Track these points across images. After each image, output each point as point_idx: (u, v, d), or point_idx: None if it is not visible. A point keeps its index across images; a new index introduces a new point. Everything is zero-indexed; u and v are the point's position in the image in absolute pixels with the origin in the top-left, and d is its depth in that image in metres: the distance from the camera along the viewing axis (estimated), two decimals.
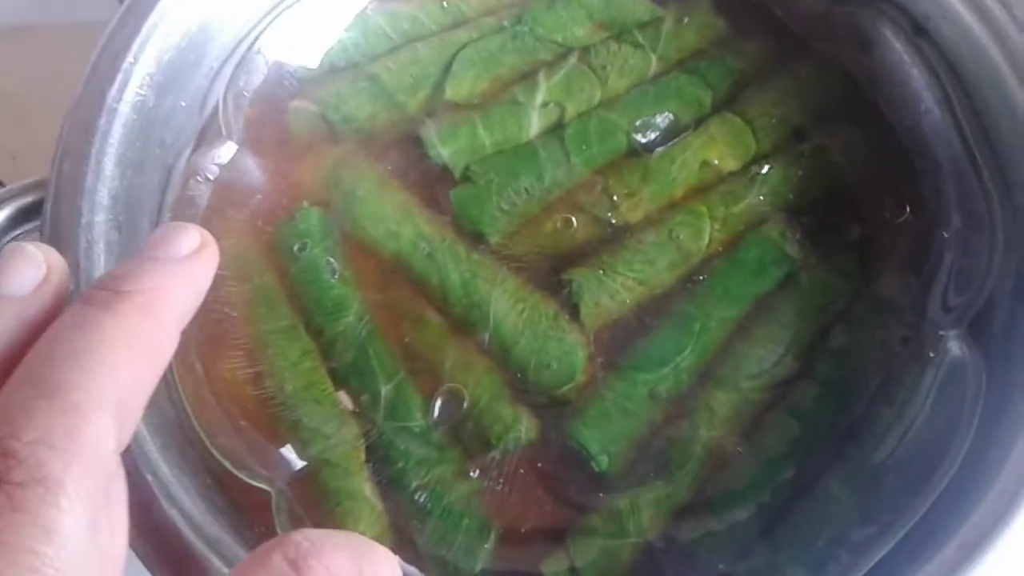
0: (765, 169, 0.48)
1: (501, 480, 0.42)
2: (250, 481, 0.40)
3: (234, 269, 0.44)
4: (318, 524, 0.40)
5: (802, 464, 0.42)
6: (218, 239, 0.30)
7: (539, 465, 0.42)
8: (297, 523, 0.39)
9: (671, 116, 0.49)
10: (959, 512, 0.38)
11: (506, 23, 0.51)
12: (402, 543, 0.41)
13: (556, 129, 0.49)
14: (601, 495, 0.42)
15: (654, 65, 0.51)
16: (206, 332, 0.42)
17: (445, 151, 0.47)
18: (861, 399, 0.44)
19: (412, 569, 0.40)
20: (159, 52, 0.43)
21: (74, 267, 0.38)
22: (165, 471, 0.37)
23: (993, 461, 0.38)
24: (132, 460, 0.36)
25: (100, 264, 0.39)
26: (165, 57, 0.43)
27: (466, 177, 0.47)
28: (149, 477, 0.36)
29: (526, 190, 0.47)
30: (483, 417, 0.42)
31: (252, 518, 0.40)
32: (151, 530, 0.36)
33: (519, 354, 0.43)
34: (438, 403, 0.43)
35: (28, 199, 0.41)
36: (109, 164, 0.41)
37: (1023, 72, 0.44)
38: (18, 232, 0.41)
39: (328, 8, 0.49)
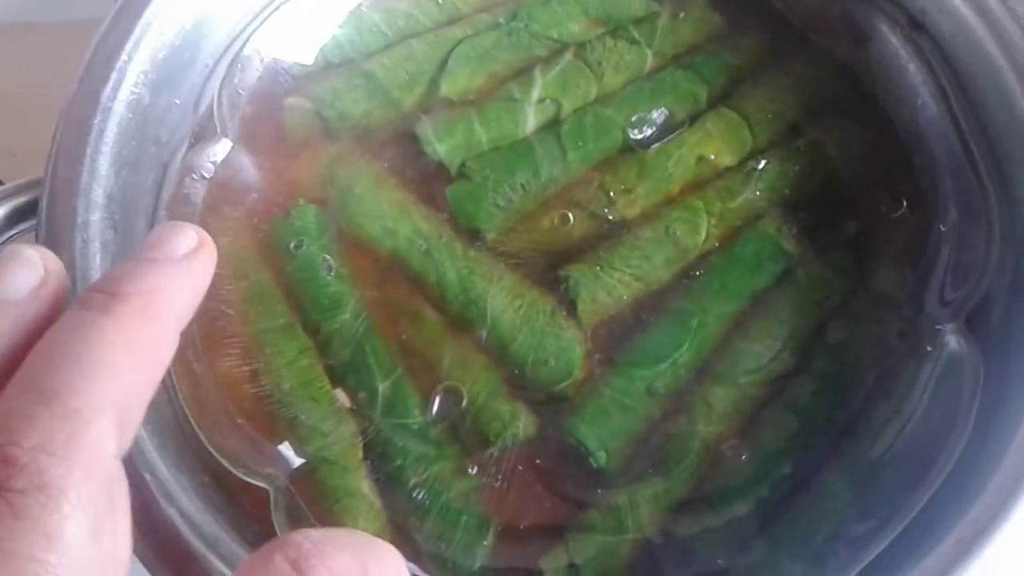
0: (761, 164, 0.48)
1: (500, 477, 0.42)
2: (248, 479, 0.40)
3: (230, 267, 0.44)
4: (317, 521, 0.40)
5: (800, 459, 0.42)
6: (214, 237, 0.30)
7: (537, 462, 0.42)
8: (295, 521, 0.39)
9: (667, 112, 0.49)
10: (957, 507, 0.38)
11: (501, 19, 0.51)
12: (401, 540, 0.41)
13: (552, 125, 0.49)
14: (599, 491, 0.42)
15: (650, 61, 0.51)
16: (203, 330, 0.42)
17: (441, 148, 0.47)
18: (858, 394, 0.44)
19: (411, 566, 0.40)
20: (153, 50, 0.43)
21: (70, 266, 0.38)
22: (163, 470, 0.37)
23: (991, 455, 0.38)
24: (130, 460, 0.35)
25: (96, 263, 0.39)
26: (159, 55, 0.43)
27: (462, 174, 0.47)
28: (147, 476, 0.36)
29: (522, 186, 0.47)
30: (481, 414, 0.42)
31: (251, 516, 0.40)
32: (150, 530, 0.36)
33: (517, 351, 0.43)
34: (436, 400, 0.43)
35: (23, 199, 0.41)
36: (104, 163, 0.41)
37: (1020, 65, 0.44)
38: (13, 232, 0.41)
39: (322, 4, 0.49)
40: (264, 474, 0.40)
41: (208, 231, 0.30)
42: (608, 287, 0.45)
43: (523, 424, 0.42)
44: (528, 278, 0.45)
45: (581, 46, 0.51)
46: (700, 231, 0.46)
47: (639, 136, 0.49)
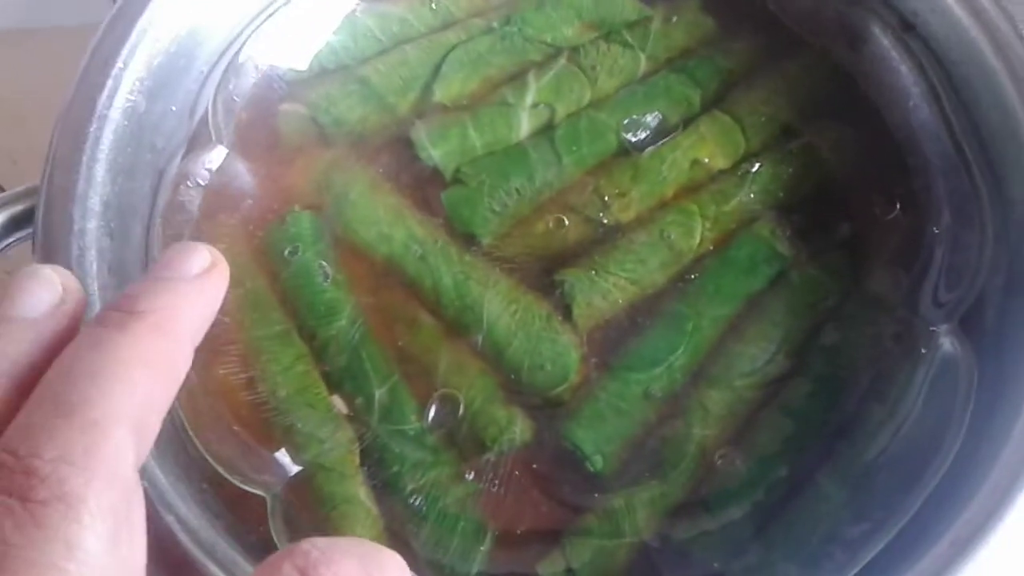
0: (755, 167, 0.48)
1: (496, 482, 0.42)
2: (245, 487, 0.40)
3: None
4: (314, 529, 0.40)
5: (795, 462, 0.43)
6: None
7: (534, 466, 0.42)
8: (293, 528, 0.39)
9: (660, 115, 0.49)
10: (952, 508, 0.38)
11: (495, 24, 0.51)
12: (398, 547, 0.40)
13: (546, 130, 0.49)
14: (596, 495, 0.42)
15: (643, 65, 0.51)
16: None
17: (436, 153, 0.47)
18: (853, 396, 0.44)
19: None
20: (149, 57, 0.43)
21: None
22: (161, 478, 0.37)
23: (985, 457, 0.39)
24: None
25: (92, 271, 0.39)
26: (155, 62, 0.43)
27: (457, 179, 0.47)
28: (145, 484, 0.36)
29: (517, 191, 0.47)
30: (477, 419, 0.42)
31: (248, 523, 0.40)
32: (147, 536, 0.36)
33: (512, 356, 0.44)
34: (432, 406, 0.43)
35: (19, 207, 0.41)
36: (100, 170, 0.41)
37: (1012, 65, 0.44)
38: (10, 240, 0.41)
39: (316, 11, 0.49)
40: (261, 481, 0.40)
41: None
42: (603, 291, 0.45)
43: (519, 429, 0.42)
44: (523, 283, 0.45)
45: (575, 50, 0.51)
46: (694, 234, 0.47)
47: (633, 140, 0.49)
